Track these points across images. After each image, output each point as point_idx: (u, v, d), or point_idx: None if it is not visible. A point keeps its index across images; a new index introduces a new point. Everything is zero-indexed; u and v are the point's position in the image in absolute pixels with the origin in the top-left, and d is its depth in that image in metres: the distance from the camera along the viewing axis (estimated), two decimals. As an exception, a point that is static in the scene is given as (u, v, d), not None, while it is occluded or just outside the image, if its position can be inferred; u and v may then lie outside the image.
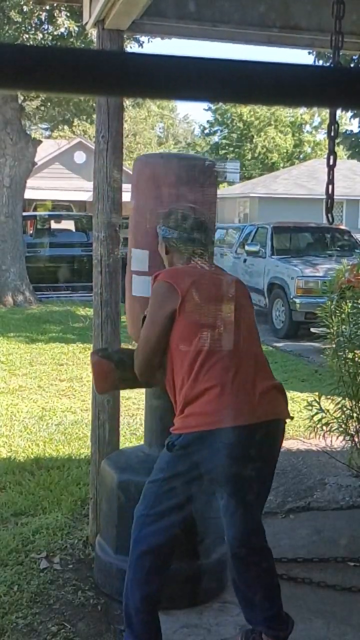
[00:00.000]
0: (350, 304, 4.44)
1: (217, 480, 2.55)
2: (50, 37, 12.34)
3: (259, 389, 2.53)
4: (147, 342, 2.61)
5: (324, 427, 4.26)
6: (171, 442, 2.54)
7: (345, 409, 4.31)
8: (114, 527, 3.18)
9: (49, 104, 15.27)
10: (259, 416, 2.49)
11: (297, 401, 6.01)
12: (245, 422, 2.47)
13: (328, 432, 4.29)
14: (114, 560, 3.15)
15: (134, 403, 6.31)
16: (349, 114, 18.16)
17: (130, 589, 2.61)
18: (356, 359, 4.36)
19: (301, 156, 42.76)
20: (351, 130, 17.16)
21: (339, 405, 4.32)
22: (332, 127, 2.91)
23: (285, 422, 2.64)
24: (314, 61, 10.38)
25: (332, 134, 2.91)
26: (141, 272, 3.04)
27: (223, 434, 2.45)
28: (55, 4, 10.67)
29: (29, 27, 12.13)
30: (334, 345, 4.41)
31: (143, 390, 3.32)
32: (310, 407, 4.30)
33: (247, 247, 11.88)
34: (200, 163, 3.19)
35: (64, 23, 11.91)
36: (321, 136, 43.47)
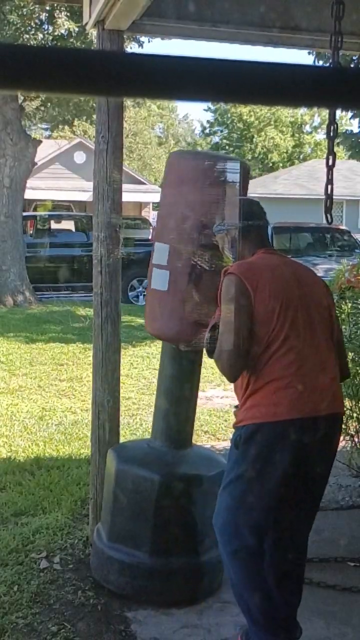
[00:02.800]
0: (350, 304, 4.44)
1: (279, 474, 2.50)
2: (50, 38, 12.34)
3: (322, 382, 2.53)
4: (237, 332, 2.52)
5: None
6: (236, 438, 2.55)
7: (345, 409, 4.31)
8: (109, 514, 3.24)
9: (49, 104, 15.27)
10: (320, 410, 2.49)
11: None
12: (307, 415, 2.46)
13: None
14: (106, 547, 3.22)
15: (134, 403, 6.32)
16: (349, 114, 18.17)
17: (243, 592, 2.59)
18: (356, 358, 4.36)
19: (301, 156, 42.76)
20: (351, 130, 17.16)
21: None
22: (332, 128, 2.91)
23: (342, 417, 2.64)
24: (314, 61, 10.37)
25: (332, 134, 2.90)
26: (161, 265, 3.06)
27: (284, 425, 2.45)
28: (55, 4, 10.67)
29: (29, 28, 12.13)
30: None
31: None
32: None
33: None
34: (236, 163, 3.18)
35: (64, 23, 11.92)
36: (321, 136, 43.46)
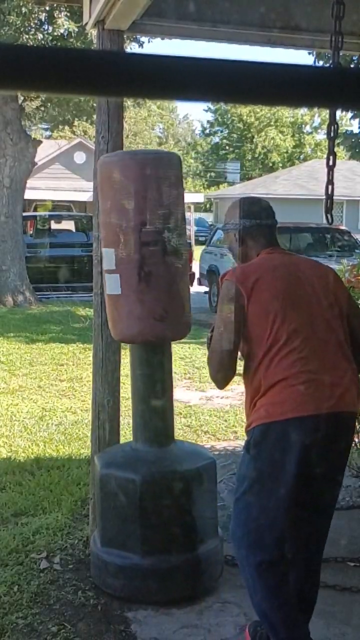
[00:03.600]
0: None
1: (292, 474, 2.46)
2: (50, 38, 12.34)
3: (332, 379, 2.48)
4: (222, 341, 2.55)
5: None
6: (248, 442, 2.53)
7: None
8: (100, 519, 3.27)
9: (49, 104, 15.28)
10: (327, 407, 2.44)
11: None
12: (313, 412, 2.42)
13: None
14: (100, 552, 3.23)
15: (134, 403, 6.32)
16: (349, 114, 18.16)
17: (265, 607, 2.54)
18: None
19: (301, 157, 42.76)
20: (351, 131, 17.16)
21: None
22: (332, 128, 2.91)
23: (357, 415, 2.59)
24: (314, 62, 10.36)
25: (332, 134, 2.91)
26: (110, 270, 3.08)
27: (292, 423, 2.42)
28: (55, 4, 10.67)
29: (29, 28, 12.13)
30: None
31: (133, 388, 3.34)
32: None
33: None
34: (161, 157, 3.20)
35: (64, 23, 11.92)
36: (321, 136, 43.48)
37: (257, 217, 2.75)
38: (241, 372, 2.63)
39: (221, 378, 2.62)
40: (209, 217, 36.75)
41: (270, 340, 2.48)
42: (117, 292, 3.05)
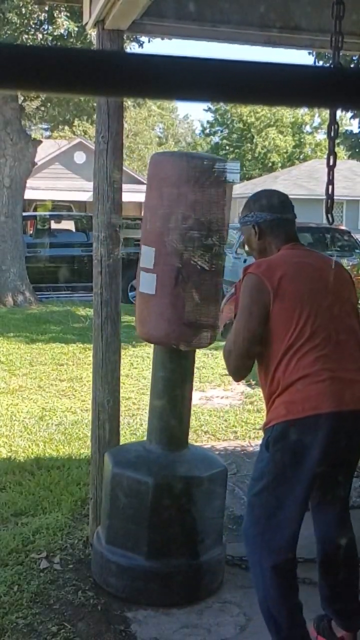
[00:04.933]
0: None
1: (313, 470, 2.46)
2: (50, 38, 12.34)
3: (352, 377, 2.48)
4: (244, 334, 2.52)
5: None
6: (266, 439, 2.51)
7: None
8: (107, 517, 3.26)
9: (49, 104, 15.27)
10: (349, 404, 2.43)
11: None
12: (334, 409, 2.41)
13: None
14: (104, 550, 3.23)
15: (134, 403, 6.31)
16: (349, 114, 18.16)
17: (273, 609, 2.53)
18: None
19: (301, 156, 42.75)
20: (351, 130, 17.17)
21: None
22: (332, 128, 2.91)
23: None
24: (314, 62, 10.35)
25: (332, 134, 2.90)
26: (147, 269, 3.06)
27: (312, 421, 2.41)
28: (55, 4, 10.67)
29: (29, 28, 12.13)
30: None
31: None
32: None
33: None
34: (215, 163, 3.17)
35: (64, 23, 11.91)
36: (321, 136, 43.48)
37: (278, 210, 2.71)
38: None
39: (241, 371, 2.60)
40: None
41: (293, 338, 2.46)
42: (152, 291, 3.02)
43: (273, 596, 2.52)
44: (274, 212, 2.69)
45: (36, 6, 11.37)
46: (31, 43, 11.76)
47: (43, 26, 12.56)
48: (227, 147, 44.45)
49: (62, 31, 12.02)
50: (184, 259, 2.95)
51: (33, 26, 12.25)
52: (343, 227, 16.06)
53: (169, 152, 3.30)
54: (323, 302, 2.53)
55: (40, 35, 12.29)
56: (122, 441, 3.82)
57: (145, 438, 3.51)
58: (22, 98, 13.74)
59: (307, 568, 3.32)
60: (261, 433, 5.90)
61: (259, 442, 5.56)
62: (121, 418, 3.91)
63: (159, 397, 3.24)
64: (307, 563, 3.39)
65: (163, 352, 3.21)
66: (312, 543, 2.81)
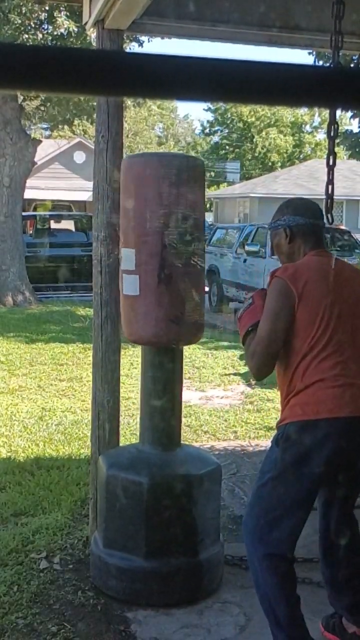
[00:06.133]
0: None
1: (319, 472, 2.53)
2: (50, 37, 12.34)
3: None
4: (270, 335, 2.57)
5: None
6: (278, 435, 2.57)
7: None
8: (104, 520, 3.25)
9: (48, 104, 15.27)
10: (354, 410, 2.50)
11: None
12: (349, 414, 2.48)
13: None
14: (102, 553, 3.22)
15: (134, 403, 6.31)
16: (349, 113, 18.16)
17: (272, 600, 2.58)
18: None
19: (301, 156, 42.77)
20: (351, 130, 17.16)
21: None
22: (332, 127, 2.91)
23: None
24: (314, 61, 10.36)
25: (332, 134, 2.90)
26: (129, 270, 3.07)
27: (325, 424, 2.47)
28: (55, 4, 10.67)
29: (29, 27, 12.13)
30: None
31: (143, 390, 3.33)
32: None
33: (247, 247, 11.88)
34: (186, 161, 3.21)
35: (64, 23, 11.91)
36: (321, 136, 43.50)
37: (310, 215, 2.76)
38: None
39: (264, 370, 2.64)
40: (209, 217, 36.78)
41: (314, 342, 2.52)
42: (135, 292, 3.04)
43: (270, 586, 2.57)
44: (307, 217, 2.75)
45: (36, 6, 11.37)
46: (31, 43, 11.76)
47: (43, 26, 12.56)
48: (227, 147, 44.47)
49: (62, 31, 12.02)
50: (164, 257, 2.99)
51: (33, 26, 12.25)
52: (343, 227, 16.06)
53: (139, 154, 3.32)
54: (345, 308, 2.59)
55: (40, 35, 12.29)
56: (122, 441, 3.82)
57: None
58: (22, 98, 13.74)
59: (307, 568, 3.33)
60: (261, 432, 5.93)
61: (259, 442, 5.59)
62: (121, 418, 3.91)
63: (149, 397, 3.25)
64: (307, 563, 3.39)
65: (151, 352, 3.22)
66: (312, 542, 2.81)
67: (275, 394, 6.85)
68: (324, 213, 2.92)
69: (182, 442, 3.49)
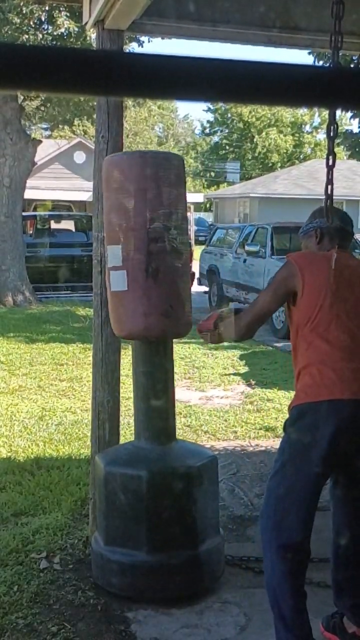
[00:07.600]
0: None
1: (325, 454, 2.57)
2: (50, 38, 12.34)
3: None
4: (263, 306, 2.74)
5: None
6: (285, 421, 2.67)
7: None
8: (104, 518, 3.25)
9: (49, 104, 15.27)
10: (356, 392, 2.56)
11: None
12: (349, 397, 2.54)
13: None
14: (104, 551, 3.22)
15: (133, 403, 6.32)
16: (349, 114, 18.17)
17: (279, 591, 2.60)
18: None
19: (301, 156, 42.77)
20: (351, 130, 17.16)
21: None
22: (332, 128, 2.91)
23: None
24: (314, 61, 10.37)
25: (332, 134, 2.90)
26: (116, 267, 3.09)
27: (326, 406, 2.54)
28: (55, 4, 10.67)
29: (29, 28, 12.13)
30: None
31: (136, 386, 3.34)
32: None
33: (247, 247, 11.87)
34: (167, 157, 3.23)
35: (64, 23, 11.91)
36: (321, 136, 43.49)
37: (340, 220, 2.87)
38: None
39: (247, 331, 2.79)
40: (208, 217, 36.76)
41: (316, 319, 2.61)
42: (123, 288, 3.07)
43: (278, 575, 2.59)
44: (339, 222, 2.85)
45: (36, 6, 11.37)
46: (31, 43, 11.76)
47: (43, 26, 12.56)
48: (227, 147, 44.47)
49: (62, 31, 12.02)
50: (151, 250, 3.02)
51: (33, 26, 12.25)
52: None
53: (120, 153, 3.34)
54: (349, 297, 2.68)
55: (40, 35, 12.29)
56: (122, 441, 3.81)
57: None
58: (22, 98, 13.74)
59: (307, 568, 3.33)
60: (261, 432, 5.94)
61: (259, 442, 5.60)
62: (121, 418, 3.91)
63: (142, 393, 3.27)
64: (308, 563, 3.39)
65: (142, 347, 3.25)
66: (312, 542, 2.81)
67: (275, 394, 6.86)
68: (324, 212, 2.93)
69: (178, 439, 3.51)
